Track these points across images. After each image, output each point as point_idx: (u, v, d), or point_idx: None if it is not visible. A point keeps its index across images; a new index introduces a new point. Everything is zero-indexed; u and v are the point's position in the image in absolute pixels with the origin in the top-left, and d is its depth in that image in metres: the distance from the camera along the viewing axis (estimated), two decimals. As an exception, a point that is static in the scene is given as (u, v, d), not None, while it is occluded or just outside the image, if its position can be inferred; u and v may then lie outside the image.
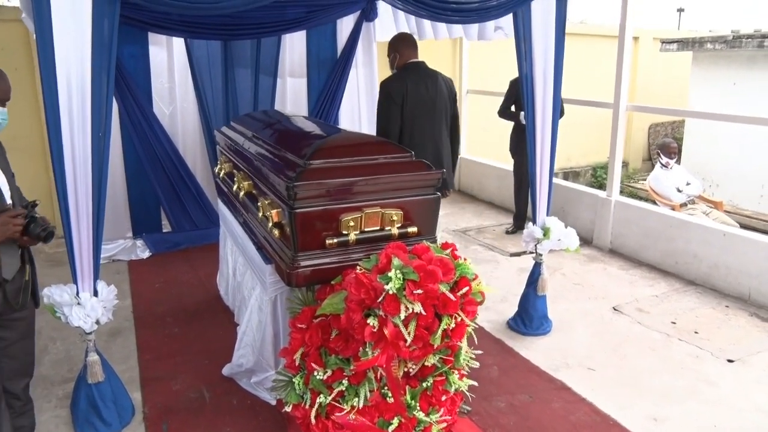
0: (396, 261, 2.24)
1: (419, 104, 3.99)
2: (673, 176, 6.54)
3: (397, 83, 4.01)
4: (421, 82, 4.02)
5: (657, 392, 3.33)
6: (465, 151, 8.24)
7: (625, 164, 11.11)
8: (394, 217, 2.65)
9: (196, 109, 5.79)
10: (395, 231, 2.66)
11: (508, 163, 6.59)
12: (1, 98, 2.31)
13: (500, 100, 6.13)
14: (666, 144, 6.67)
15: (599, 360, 3.68)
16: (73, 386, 2.98)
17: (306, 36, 6.04)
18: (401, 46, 4.16)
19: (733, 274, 4.58)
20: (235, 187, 3.58)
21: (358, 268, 2.40)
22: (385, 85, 4.08)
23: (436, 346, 2.32)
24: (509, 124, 6.10)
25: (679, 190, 6.46)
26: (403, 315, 2.18)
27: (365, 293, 2.24)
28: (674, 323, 4.13)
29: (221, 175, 4.12)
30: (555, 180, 6.36)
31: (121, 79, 5.17)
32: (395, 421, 2.49)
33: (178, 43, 5.57)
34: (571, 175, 10.24)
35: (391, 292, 2.17)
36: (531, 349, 3.79)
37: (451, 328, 2.32)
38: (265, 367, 3.11)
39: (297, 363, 2.57)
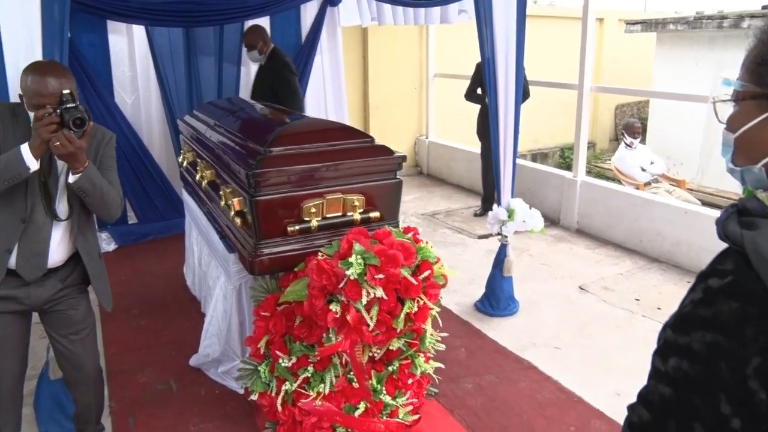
0: (357, 246, 2.24)
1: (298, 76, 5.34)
2: (637, 156, 6.63)
3: (290, 62, 5.20)
4: (289, 60, 5.26)
5: (621, 369, 3.39)
6: (434, 134, 8.26)
7: (592, 145, 11.22)
8: (356, 203, 2.65)
9: (159, 98, 5.69)
10: (357, 216, 2.66)
11: (476, 146, 6.61)
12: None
13: (467, 83, 6.14)
14: (630, 124, 6.75)
15: (565, 339, 3.74)
16: (36, 383, 2.94)
17: (269, 22, 5.97)
18: (264, 34, 5.20)
19: (695, 250, 4.67)
20: (197, 176, 3.54)
21: (319, 254, 2.40)
22: (288, 67, 5.13)
23: (399, 330, 2.33)
24: (477, 108, 6.12)
25: (643, 170, 6.55)
26: (365, 300, 2.18)
27: (327, 279, 2.24)
28: (638, 300, 4.20)
29: (185, 164, 4.08)
30: (522, 162, 6.44)
31: (81, 68, 5.05)
32: (361, 406, 2.50)
33: (139, 31, 5.45)
34: (539, 156, 10.31)
35: (352, 278, 2.17)
36: (498, 330, 3.83)
37: (413, 311, 2.32)
38: (231, 357, 3.10)
39: (262, 351, 2.57)
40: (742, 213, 0.85)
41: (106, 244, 5.43)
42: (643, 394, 0.93)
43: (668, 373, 0.87)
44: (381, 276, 2.19)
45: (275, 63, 5.17)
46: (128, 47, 5.49)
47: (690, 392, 0.84)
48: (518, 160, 4.43)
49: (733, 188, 8.56)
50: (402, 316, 2.29)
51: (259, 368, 2.58)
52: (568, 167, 8.53)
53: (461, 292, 4.31)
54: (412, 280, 2.25)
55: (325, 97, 6.39)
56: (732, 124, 0.95)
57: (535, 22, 9.33)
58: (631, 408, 0.96)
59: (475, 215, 6.25)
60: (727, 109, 0.97)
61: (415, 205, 6.67)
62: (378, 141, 2.81)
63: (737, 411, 0.80)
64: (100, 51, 5.32)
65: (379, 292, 2.18)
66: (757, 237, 0.79)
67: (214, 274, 3.34)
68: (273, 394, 2.54)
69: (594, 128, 11.23)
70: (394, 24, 6.27)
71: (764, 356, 0.77)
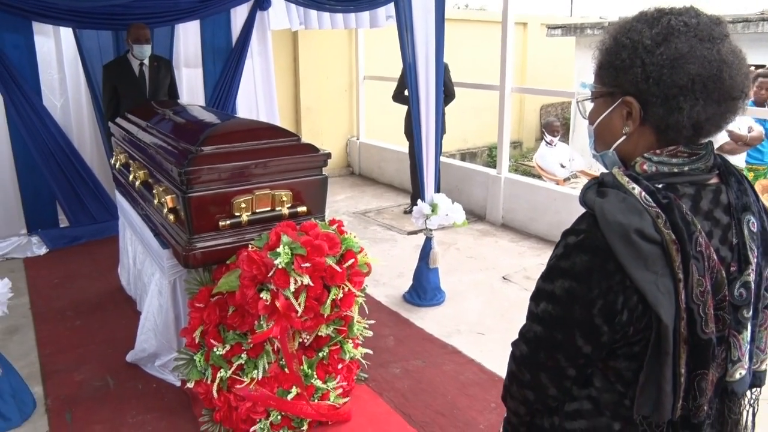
0: (285, 238, 2.40)
1: None
2: (556, 153, 7.00)
3: None
4: None
5: (538, 350, 3.63)
6: (364, 135, 8.45)
7: (519, 144, 11.64)
8: (284, 198, 2.80)
9: (90, 100, 5.69)
10: (285, 211, 2.81)
11: (406, 146, 6.82)
12: None
13: (396, 84, 6.35)
14: (549, 123, 7.13)
15: (488, 325, 3.98)
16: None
17: (200, 26, 6.03)
18: None
19: (609, 240, 4.98)
20: (131, 176, 3.62)
21: (250, 246, 2.55)
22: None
23: (326, 315, 2.51)
24: (405, 108, 6.32)
25: (562, 166, 6.93)
26: (293, 287, 2.35)
27: (257, 269, 2.39)
28: (556, 288, 4.49)
29: (117, 166, 4.13)
30: (449, 160, 6.70)
31: (5, 70, 5.00)
32: (294, 390, 2.66)
33: (67, 33, 5.43)
34: (468, 155, 10.63)
35: (280, 267, 2.33)
36: (425, 319, 4.04)
37: (339, 298, 2.50)
38: (168, 350, 3.19)
39: (197, 341, 2.69)
40: (602, 185, 1.06)
41: (37, 248, 5.39)
42: (522, 332, 1.15)
43: (539, 315, 1.10)
44: (307, 265, 2.36)
45: (164, 59, 5.41)
46: (56, 49, 5.46)
47: (554, 329, 1.07)
48: (446, 159, 4.66)
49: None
50: (328, 302, 2.47)
51: (194, 357, 2.70)
52: (495, 165, 8.88)
53: (390, 284, 4.51)
54: (337, 268, 2.43)
55: (257, 100, 6.49)
56: (591, 118, 1.18)
57: (466, 26, 9.68)
58: (514, 344, 1.18)
59: (405, 212, 6.46)
60: (588, 107, 1.19)
61: (347, 204, 6.84)
62: (310, 142, 2.97)
63: (588, 342, 1.04)
64: (25, 52, 5.24)
65: (306, 280, 2.35)
66: (604, 203, 1.01)
67: (149, 272, 3.43)
68: (209, 382, 2.67)
69: (520, 128, 11.65)
70: (319, 28, 6.44)
71: (605, 299, 1.00)
